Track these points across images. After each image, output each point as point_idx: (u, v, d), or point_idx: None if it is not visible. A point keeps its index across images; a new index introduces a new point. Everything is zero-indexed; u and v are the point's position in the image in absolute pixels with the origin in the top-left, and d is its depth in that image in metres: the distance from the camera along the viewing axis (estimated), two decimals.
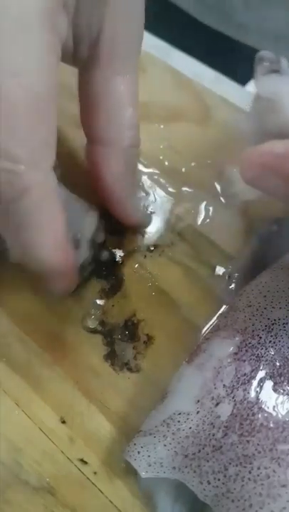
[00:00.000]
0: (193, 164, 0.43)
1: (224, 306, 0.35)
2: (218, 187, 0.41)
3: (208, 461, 0.28)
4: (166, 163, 0.43)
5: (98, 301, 0.36)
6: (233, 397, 0.29)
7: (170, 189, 0.41)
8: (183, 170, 0.42)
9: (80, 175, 0.42)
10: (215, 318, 0.35)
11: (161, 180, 0.42)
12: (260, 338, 0.31)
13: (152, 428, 0.29)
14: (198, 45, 0.52)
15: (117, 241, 0.38)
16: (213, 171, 0.42)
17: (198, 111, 0.46)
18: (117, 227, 0.39)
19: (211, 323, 0.35)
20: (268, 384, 0.30)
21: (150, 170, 0.42)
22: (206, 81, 0.48)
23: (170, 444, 0.29)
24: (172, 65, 0.49)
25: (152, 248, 0.38)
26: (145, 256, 0.38)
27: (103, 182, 0.35)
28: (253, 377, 0.30)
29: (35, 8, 0.25)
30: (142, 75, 0.48)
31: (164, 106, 0.46)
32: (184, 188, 0.41)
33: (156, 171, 0.42)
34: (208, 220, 0.40)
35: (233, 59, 0.57)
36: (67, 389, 0.33)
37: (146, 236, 0.39)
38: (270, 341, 0.31)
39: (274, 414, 0.29)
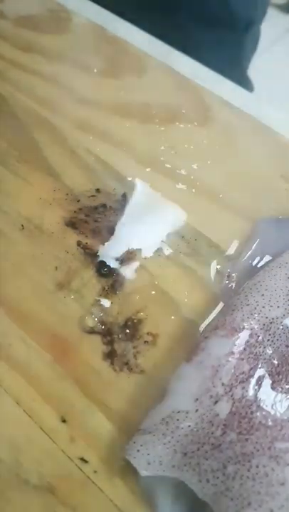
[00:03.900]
0: (193, 165, 0.43)
1: (223, 305, 0.35)
2: (218, 187, 0.42)
3: (207, 459, 0.28)
4: (167, 164, 0.43)
5: (98, 301, 0.36)
6: (231, 396, 0.29)
7: (171, 190, 0.41)
8: (183, 171, 0.42)
9: (79, 174, 0.42)
10: (214, 317, 0.35)
11: (161, 180, 0.42)
12: (258, 336, 0.31)
13: (152, 426, 0.29)
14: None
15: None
16: (213, 172, 0.42)
17: (198, 112, 0.46)
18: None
19: (209, 322, 0.35)
20: (267, 382, 0.30)
21: (151, 171, 0.43)
22: (206, 82, 0.48)
23: (169, 442, 0.29)
24: (172, 66, 0.49)
25: (152, 248, 0.38)
26: (145, 256, 0.38)
27: None
28: (252, 376, 0.30)
29: None
30: (142, 76, 0.49)
31: (165, 107, 0.46)
32: (185, 189, 0.42)
33: (157, 172, 0.42)
34: (208, 220, 0.40)
35: None
36: (67, 388, 0.33)
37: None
38: (268, 340, 0.31)
39: (272, 412, 0.29)
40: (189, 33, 0.57)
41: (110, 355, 0.34)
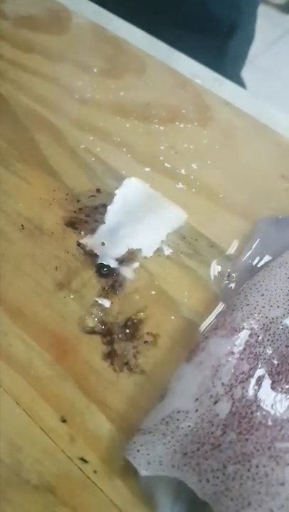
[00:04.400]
0: (193, 165, 0.43)
1: (223, 305, 0.35)
2: (218, 187, 0.42)
3: (207, 459, 0.28)
4: (167, 164, 0.43)
5: (98, 301, 0.36)
6: (231, 396, 0.29)
7: (171, 190, 0.41)
8: (183, 171, 0.42)
9: (79, 174, 0.42)
10: (214, 316, 0.35)
11: (161, 180, 0.42)
12: (258, 336, 0.31)
13: (152, 426, 0.29)
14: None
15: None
16: (213, 172, 0.43)
17: (198, 112, 0.46)
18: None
19: (209, 322, 0.35)
20: (266, 382, 0.30)
21: (151, 171, 0.43)
22: (206, 82, 0.48)
23: (169, 442, 0.29)
24: (172, 66, 0.49)
25: (153, 248, 0.38)
26: (145, 256, 0.38)
27: None
28: (251, 376, 0.30)
29: None
30: (142, 76, 0.49)
31: (165, 107, 0.46)
32: (185, 189, 0.42)
33: (157, 172, 0.42)
34: (208, 220, 0.40)
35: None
36: (67, 388, 0.33)
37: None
38: (268, 340, 0.31)
39: (272, 412, 0.29)
40: (168, 39, 0.56)
41: (110, 355, 0.34)
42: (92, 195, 0.41)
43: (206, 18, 0.65)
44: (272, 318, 0.31)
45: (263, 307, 0.32)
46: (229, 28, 0.68)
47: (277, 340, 0.31)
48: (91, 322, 0.35)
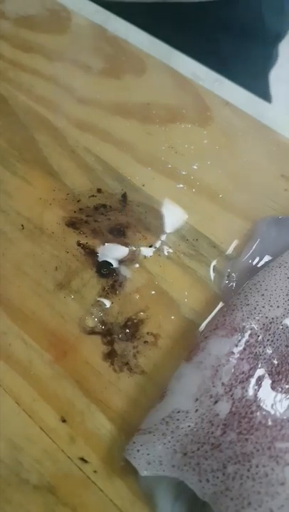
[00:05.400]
0: (193, 165, 0.43)
1: (223, 305, 0.35)
2: (218, 187, 0.42)
3: (207, 459, 0.28)
4: (167, 164, 0.43)
5: (98, 301, 0.36)
6: (231, 395, 0.29)
7: (171, 190, 0.41)
8: (184, 171, 0.42)
9: (79, 174, 0.42)
10: (213, 316, 0.35)
11: (162, 180, 0.42)
12: (258, 336, 0.31)
13: (152, 426, 0.29)
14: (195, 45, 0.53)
15: (118, 241, 0.39)
16: (213, 172, 0.42)
17: (198, 112, 0.46)
18: (118, 228, 0.39)
19: (209, 321, 0.35)
20: (266, 382, 0.30)
21: (151, 171, 0.43)
22: (206, 82, 0.48)
23: (169, 442, 0.29)
24: (173, 67, 0.49)
25: (153, 248, 0.38)
26: (145, 256, 0.38)
27: None
28: (251, 376, 0.30)
29: None
30: (142, 76, 0.49)
31: (165, 107, 0.46)
32: (185, 189, 0.42)
33: (158, 172, 0.42)
34: (208, 220, 0.40)
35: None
36: (67, 388, 0.33)
37: (146, 236, 0.39)
38: (268, 340, 0.31)
39: (272, 412, 0.29)
40: (216, 43, 0.55)
41: (110, 356, 0.34)
42: (93, 195, 0.41)
43: (258, 25, 0.65)
44: (272, 318, 0.31)
45: (263, 307, 0.32)
46: (275, 37, 0.69)
47: (277, 340, 0.31)
48: (91, 322, 0.35)
